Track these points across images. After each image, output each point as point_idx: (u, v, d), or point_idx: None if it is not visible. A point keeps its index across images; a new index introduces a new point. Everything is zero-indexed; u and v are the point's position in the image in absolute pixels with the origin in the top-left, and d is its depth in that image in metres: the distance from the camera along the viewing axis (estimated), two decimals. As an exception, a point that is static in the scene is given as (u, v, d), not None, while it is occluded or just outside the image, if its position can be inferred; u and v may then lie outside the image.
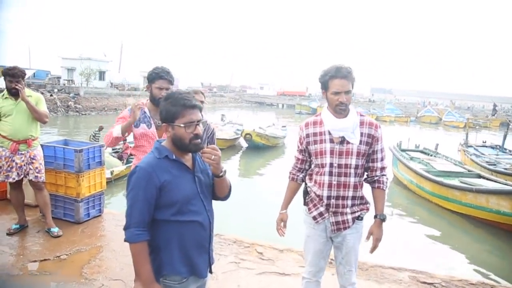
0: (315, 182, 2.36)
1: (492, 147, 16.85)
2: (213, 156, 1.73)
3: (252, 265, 3.57)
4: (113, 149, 11.28)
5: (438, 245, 7.22)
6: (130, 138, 3.11)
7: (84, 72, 35.21)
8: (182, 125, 1.69)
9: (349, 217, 2.31)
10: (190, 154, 1.81)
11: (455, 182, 9.13)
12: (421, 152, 13.96)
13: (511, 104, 54.82)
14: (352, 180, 2.28)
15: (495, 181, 9.30)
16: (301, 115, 41.53)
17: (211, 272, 1.89)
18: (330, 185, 2.29)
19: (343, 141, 2.26)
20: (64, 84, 35.07)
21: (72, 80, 36.73)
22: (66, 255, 3.55)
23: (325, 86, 2.26)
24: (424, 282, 3.47)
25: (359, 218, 2.34)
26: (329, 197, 2.29)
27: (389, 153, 12.38)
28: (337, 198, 2.29)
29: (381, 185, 2.34)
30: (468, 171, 10.77)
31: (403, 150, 13.45)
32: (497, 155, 15.16)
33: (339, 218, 2.31)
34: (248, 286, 3.22)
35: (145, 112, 2.73)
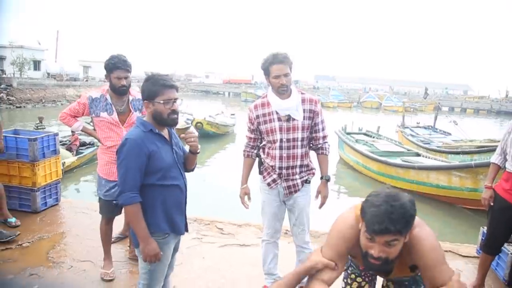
0: (268, 155, 2.71)
1: (425, 128, 18.34)
2: (193, 138, 2.07)
3: (214, 240, 3.82)
4: (60, 141, 10.90)
5: None
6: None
7: (16, 61, 32.88)
8: (161, 101, 1.94)
9: (298, 181, 2.69)
10: (166, 129, 2.07)
11: (398, 161, 9.84)
12: (365, 134, 14.77)
13: (442, 89, 59.09)
14: (299, 151, 2.65)
15: (431, 158, 10.26)
16: (247, 102, 41.94)
17: (187, 230, 2.19)
18: (281, 158, 2.64)
19: (289, 118, 2.60)
20: (-7, 75, 32.57)
21: (2, 70, 34.15)
22: (29, 242, 3.57)
23: (267, 72, 2.57)
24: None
25: (307, 181, 2.73)
26: (280, 168, 2.66)
27: (334, 136, 13.05)
28: (287, 168, 2.66)
29: (324, 151, 2.75)
30: (408, 150, 11.66)
31: (348, 133, 14.10)
32: (430, 134, 16.60)
33: (290, 183, 2.68)
34: (212, 257, 3.47)
35: (106, 99, 2.84)
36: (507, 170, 2.90)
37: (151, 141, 1.95)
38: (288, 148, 2.63)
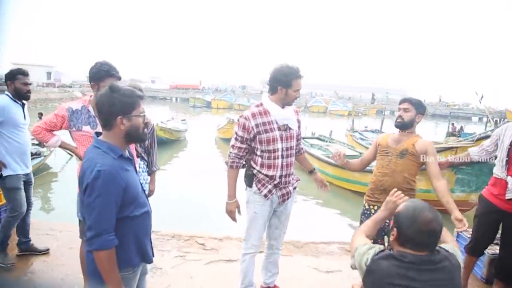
0: (264, 165, 2.63)
1: (372, 131, 19.25)
2: None
3: (198, 256, 3.63)
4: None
5: (351, 220, 7.94)
6: None
7: None
8: (141, 114, 1.72)
9: (291, 188, 2.78)
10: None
11: None
12: (318, 139, 15.10)
13: (383, 94, 62.33)
14: (293, 159, 2.77)
15: None
16: (196, 108, 41.54)
17: (153, 255, 1.91)
18: (282, 166, 2.65)
19: (286, 128, 2.63)
20: None
21: None
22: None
23: (287, 84, 2.55)
24: (352, 251, 3.95)
25: (295, 188, 2.85)
26: (280, 176, 2.66)
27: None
28: (285, 176, 2.69)
29: (303, 150, 3.02)
30: (360, 153, 12.03)
31: (302, 138, 14.38)
32: (378, 137, 17.43)
33: (284, 191, 2.73)
34: (200, 276, 3.28)
35: (89, 111, 2.57)
36: (494, 175, 3.03)
37: (123, 168, 1.69)
38: (287, 156, 2.67)
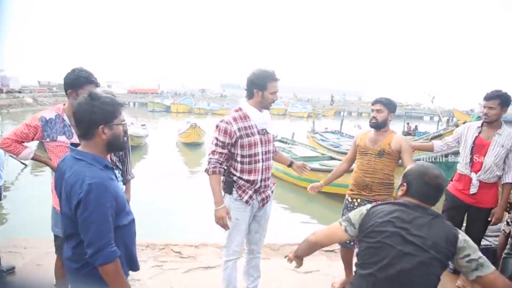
0: (244, 170, 2.62)
1: (332, 132, 19.73)
2: None
3: (176, 265, 3.56)
4: None
5: (322, 220, 8.10)
6: None
7: None
8: (123, 122, 1.70)
9: (269, 192, 2.79)
10: None
11: (316, 165, 10.19)
12: (280, 141, 15.20)
13: (340, 95, 64.11)
14: (271, 162, 2.80)
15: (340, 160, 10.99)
16: (155, 112, 40.64)
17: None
18: (262, 171, 2.66)
19: (265, 132, 2.67)
20: None
21: None
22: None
23: (262, 87, 2.57)
24: (327, 250, 4.08)
25: (272, 191, 2.85)
26: (261, 180, 2.67)
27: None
28: (265, 180, 2.71)
29: (277, 150, 3.03)
30: (322, 154, 12.30)
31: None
32: (338, 138, 17.90)
33: (264, 195, 2.74)
34: (180, 285, 3.22)
35: (64, 120, 2.45)
36: (458, 171, 3.24)
37: (110, 178, 1.65)
38: (266, 160, 2.70)
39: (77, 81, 2.37)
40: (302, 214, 8.57)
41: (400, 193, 1.78)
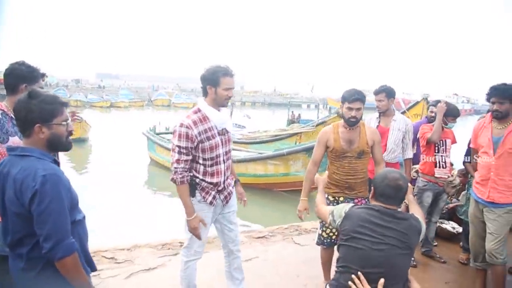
0: (207, 173, 2.59)
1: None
2: None
3: (113, 272, 3.35)
4: None
5: (250, 210, 8.10)
6: None
7: None
8: (64, 122, 1.65)
9: (231, 188, 2.77)
10: None
11: None
12: (172, 133, 14.78)
13: (238, 87, 65.18)
14: (231, 161, 2.78)
15: (240, 150, 11.32)
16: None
17: None
18: (224, 172, 2.65)
19: (224, 132, 2.64)
20: None
21: None
22: None
23: (215, 83, 2.49)
24: (258, 237, 4.28)
25: (233, 187, 2.84)
26: (223, 181, 2.66)
27: (143, 138, 12.72)
28: (226, 179, 2.70)
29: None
30: None
31: (158, 134, 13.91)
32: (229, 128, 18.28)
33: (226, 193, 2.71)
34: (126, 292, 3.08)
35: (12, 118, 2.12)
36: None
37: (62, 172, 1.65)
38: (227, 160, 2.68)
39: (29, 75, 2.16)
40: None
41: (370, 196, 2.07)
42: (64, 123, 1.65)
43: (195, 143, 2.49)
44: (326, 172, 3.04)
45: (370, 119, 3.80)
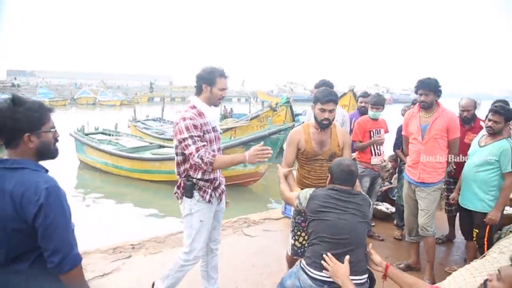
0: (205, 171, 2.60)
1: (154, 120, 19.53)
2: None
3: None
4: None
5: (159, 207, 7.97)
6: None
7: None
8: (52, 130, 1.61)
9: (223, 187, 2.85)
10: None
11: (149, 155, 10.06)
12: (102, 133, 13.98)
13: (152, 80, 62.91)
14: None
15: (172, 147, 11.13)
16: None
17: None
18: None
19: (215, 129, 2.72)
20: None
21: None
22: None
23: (211, 82, 2.59)
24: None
25: (224, 185, 2.90)
26: (218, 177, 2.76)
27: (70, 139, 11.92)
28: (220, 175, 2.81)
29: None
30: (151, 143, 12.01)
31: (86, 134, 13.19)
32: (162, 125, 17.85)
33: (219, 190, 2.78)
34: None
35: None
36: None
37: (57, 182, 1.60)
38: None
39: None
40: (138, 205, 8.38)
41: (327, 181, 2.37)
42: (52, 130, 1.61)
43: (202, 132, 2.54)
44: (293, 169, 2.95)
45: (309, 113, 4.02)
